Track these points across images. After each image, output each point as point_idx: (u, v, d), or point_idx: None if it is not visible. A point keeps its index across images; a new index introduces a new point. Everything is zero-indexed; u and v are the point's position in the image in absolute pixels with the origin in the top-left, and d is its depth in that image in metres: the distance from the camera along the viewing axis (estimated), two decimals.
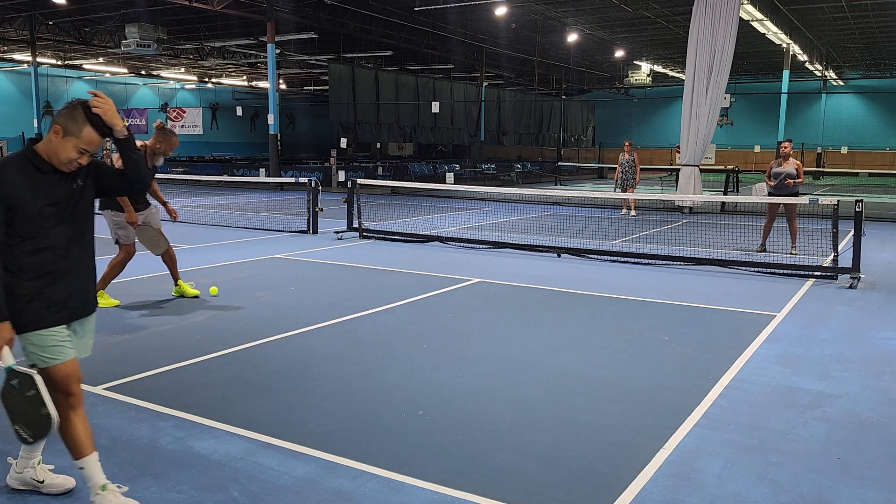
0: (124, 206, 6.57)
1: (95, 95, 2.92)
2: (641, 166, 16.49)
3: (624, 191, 16.05)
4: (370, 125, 26.33)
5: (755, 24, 22.01)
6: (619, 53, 32.82)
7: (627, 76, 37.63)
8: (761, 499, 3.22)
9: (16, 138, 35.07)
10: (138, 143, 6.24)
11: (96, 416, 4.04)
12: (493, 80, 39.30)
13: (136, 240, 6.82)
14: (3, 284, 2.81)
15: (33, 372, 2.80)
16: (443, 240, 11.29)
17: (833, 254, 8.95)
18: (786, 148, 10.50)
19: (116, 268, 6.82)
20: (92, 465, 3.02)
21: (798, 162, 10.54)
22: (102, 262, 5.39)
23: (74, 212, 2.98)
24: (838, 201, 8.90)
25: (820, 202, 9.27)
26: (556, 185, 29.66)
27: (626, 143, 16.67)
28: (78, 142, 2.87)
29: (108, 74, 40.03)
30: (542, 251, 10.38)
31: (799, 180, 10.42)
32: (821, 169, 36.44)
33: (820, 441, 3.86)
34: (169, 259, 7.05)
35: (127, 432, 3.84)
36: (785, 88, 27.29)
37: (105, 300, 6.75)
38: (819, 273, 8.70)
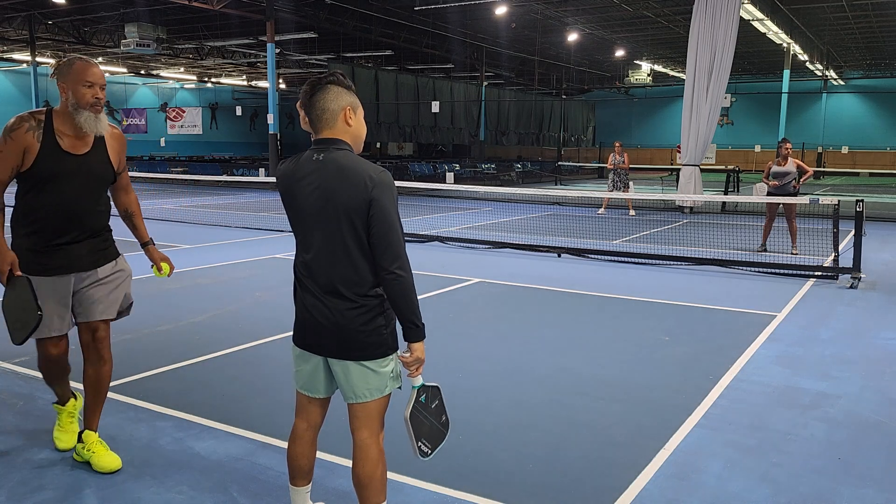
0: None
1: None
2: (642, 166, 16.45)
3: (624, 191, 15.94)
4: (370, 125, 26.29)
5: (756, 24, 22.01)
6: (620, 53, 32.82)
7: (628, 76, 37.63)
8: (762, 499, 3.21)
9: None
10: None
11: None
12: (493, 80, 39.30)
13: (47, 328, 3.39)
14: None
15: (437, 384, 2.71)
16: (443, 240, 11.28)
17: (834, 254, 8.96)
18: (786, 149, 10.55)
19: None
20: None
21: (797, 160, 10.59)
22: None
23: None
24: (839, 201, 8.91)
25: (821, 202, 9.27)
26: (556, 184, 29.68)
27: (617, 144, 16.44)
28: None
29: (107, 74, 40.00)
30: (542, 251, 10.37)
31: (810, 171, 10.82)
32: (821, 169, 36.42)
33: (820, 441, 3.86)
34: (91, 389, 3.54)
35: (126, 432, 3.83)
36: (785, 88, 27.29)
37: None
38: (820, 273, 8.69)
